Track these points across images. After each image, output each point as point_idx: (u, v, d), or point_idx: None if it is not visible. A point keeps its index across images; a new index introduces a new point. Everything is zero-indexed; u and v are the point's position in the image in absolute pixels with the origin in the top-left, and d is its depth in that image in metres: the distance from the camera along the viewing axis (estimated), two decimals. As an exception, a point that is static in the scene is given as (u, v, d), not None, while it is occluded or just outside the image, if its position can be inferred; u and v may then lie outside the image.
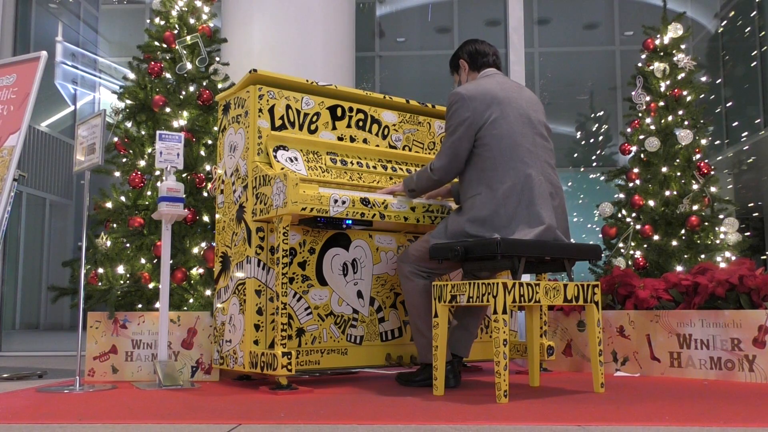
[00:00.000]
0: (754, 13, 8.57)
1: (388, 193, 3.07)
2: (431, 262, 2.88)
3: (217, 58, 4.10)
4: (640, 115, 4.59)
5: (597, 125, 9.13)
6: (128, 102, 3.84)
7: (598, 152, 9.12)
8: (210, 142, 3.82)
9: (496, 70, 3.03)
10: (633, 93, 4.60)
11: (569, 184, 8.81)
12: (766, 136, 8.38)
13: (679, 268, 4.06)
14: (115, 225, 3.62)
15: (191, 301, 3.45)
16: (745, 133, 8.78)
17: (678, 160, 4.41)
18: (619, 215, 4.48)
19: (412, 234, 3.39)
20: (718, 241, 4.23)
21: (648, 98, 4.56)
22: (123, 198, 3.67)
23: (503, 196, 2.70)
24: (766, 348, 3.03)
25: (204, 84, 3.92)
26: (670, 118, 4.48)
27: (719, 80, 8.95)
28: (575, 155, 9.11)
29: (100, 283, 3.45)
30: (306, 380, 3.16)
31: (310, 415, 2.18)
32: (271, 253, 2.97)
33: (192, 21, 4.01)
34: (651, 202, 4.34)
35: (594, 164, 9.06)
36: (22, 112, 3.35)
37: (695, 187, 4.32)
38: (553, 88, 8.77)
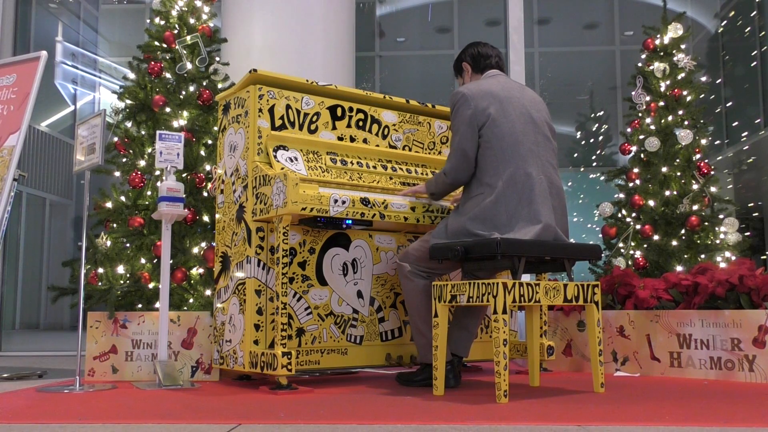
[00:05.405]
0: (754, 13, 8.57)
1: (411, 194, 3.11)
2: (431, 262, 2.88)
3: (217, 58, 4.10)
4: (640, 115, 4.59)
5: (597, 125, 9.12)
6: (128, 102, 3.84)
7: (598, 152, 9.11)
8: (210, 142, 3.82)
9: (499, 71, 3.04)
10: (633, 93, 4.60)
11: (569, 184, 8.80)
12: (766, 136, 8.37)
13: (679, 268, 4.06)
14: (115, 225, 3.62)
15: (191, 301, 3.45)
16: (745, 133, 8.77)
17: (678, 160, 4.41)
18: (619, 215, 4.48)
19: (412, 234, 3.39)
20: (718, 241, 4.23)
21: (648, 98, 4.57)
22: (123, 198, 3.68)
23: (503, 194, 2.70)
24: (766, 348, 3.03)
25: (204, 84, 3.92)
26: (670, 118, 4.48)
27: (719, 80, 8.94)
28: (575, 155, 9.11)
29: (100, 283, 3.45)
30: (306, 380, 3.16)
31: (310, 415, 2.18)
32: (271, 253, 2.97)
33: (192, 21, 4.01)
34: (651, 202, 4.34)
35: (594, 164, 9.05)
36: (22, 112, 3.35)
37: (695, 187, 4.32)
38: (553, 88, 8.77)
